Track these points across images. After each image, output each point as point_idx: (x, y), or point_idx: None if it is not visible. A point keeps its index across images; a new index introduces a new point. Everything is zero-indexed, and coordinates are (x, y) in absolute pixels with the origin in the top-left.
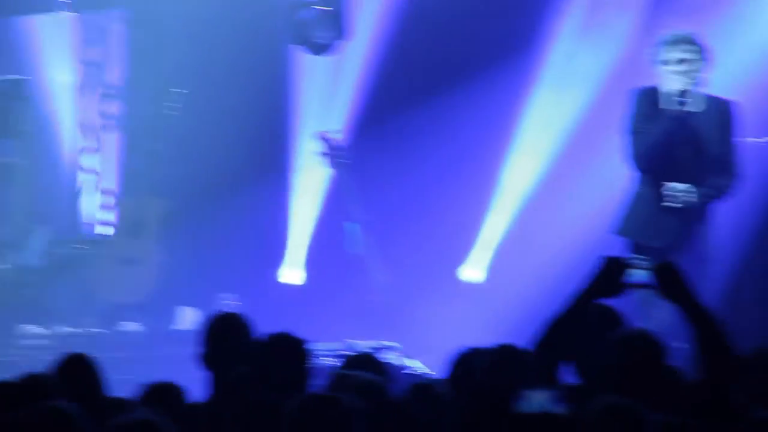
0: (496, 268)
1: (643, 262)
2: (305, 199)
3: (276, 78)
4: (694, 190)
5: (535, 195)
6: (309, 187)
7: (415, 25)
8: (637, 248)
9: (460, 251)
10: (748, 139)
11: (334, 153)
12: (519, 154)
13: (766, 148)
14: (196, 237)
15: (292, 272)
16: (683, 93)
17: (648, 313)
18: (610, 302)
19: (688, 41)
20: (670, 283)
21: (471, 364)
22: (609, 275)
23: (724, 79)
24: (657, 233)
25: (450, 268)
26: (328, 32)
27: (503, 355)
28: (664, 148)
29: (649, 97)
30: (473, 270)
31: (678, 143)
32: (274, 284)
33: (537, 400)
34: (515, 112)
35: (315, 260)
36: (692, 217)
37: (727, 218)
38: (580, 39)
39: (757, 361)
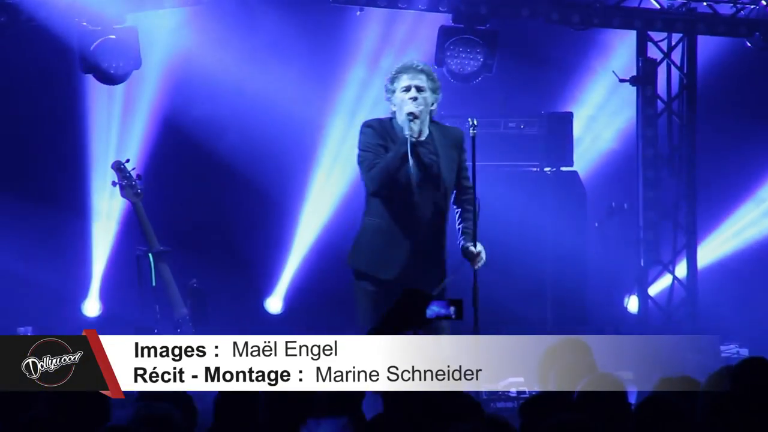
0: (293, 299)
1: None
2: (103, 230)
3: (69, 107)
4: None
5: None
6: (106, 217)
7: (206, 52)
8: (365, 278)
9: (262, 282)
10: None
11: (128, 182)
12: (317, 187)
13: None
14: None
15: (92, 304)
16: (412, 120)
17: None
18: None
19: (417, 70)
20: None
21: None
22: (410, 307)
23: None
24: (385, 264)
25: (253, 298)
26: (119, 61)
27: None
28: (393, 175)
29: (382, 125)
30: (276, 301)
31: (406, 170)
32: (77, 316)
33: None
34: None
35: (113, 292)
36: (423, 248)
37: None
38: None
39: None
